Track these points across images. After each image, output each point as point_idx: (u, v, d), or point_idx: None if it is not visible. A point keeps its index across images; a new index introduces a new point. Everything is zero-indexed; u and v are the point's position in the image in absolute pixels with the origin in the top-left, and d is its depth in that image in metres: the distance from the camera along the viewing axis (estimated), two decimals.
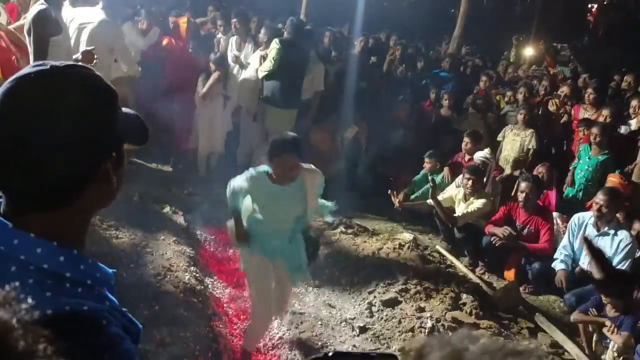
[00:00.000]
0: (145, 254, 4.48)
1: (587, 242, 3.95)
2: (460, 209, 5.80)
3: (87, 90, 1.00)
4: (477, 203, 5.66)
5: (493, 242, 5.35)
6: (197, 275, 4.51)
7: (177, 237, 4.99)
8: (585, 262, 4.95)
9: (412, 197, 6.45)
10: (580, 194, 5.92)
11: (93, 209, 1.07)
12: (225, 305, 4.58)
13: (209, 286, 4.66)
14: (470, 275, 5.49)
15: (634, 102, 6.63)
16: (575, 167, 6.10)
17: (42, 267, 0.94)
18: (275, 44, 6.52)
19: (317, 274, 5.12)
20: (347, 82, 7.66)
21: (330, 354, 0.78)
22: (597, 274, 3.96)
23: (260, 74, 6.65)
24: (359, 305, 4.63)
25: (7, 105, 0.96)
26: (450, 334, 0.54)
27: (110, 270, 1.06)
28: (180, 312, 3.87)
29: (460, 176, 5.89)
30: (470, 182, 5.65)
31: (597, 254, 2.69)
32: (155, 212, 5.35)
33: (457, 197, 5.89)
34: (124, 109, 1.11)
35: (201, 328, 3.78)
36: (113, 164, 1.04)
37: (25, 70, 1.00)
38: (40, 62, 1.00)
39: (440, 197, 5.92)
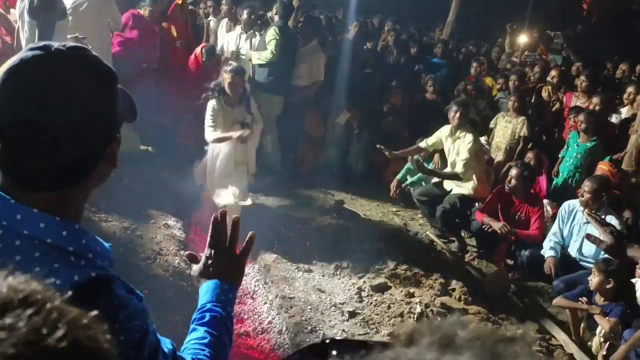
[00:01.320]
0: (135, 238, 4.46)
1: (592, 217, 4.09)
2: (450, 159, 5.78)
3: (92, 71, 1.01)
4: (465, 142, 5.61)
5: (484, 228, 5.38)
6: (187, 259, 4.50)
7: (167, 220, 4.98)
8: (574, 249, 4.98)
9: (407, 183, 6.48)
10: (570, 180, 5.94)
11: (94, 187, 1.09)
12: None
13: None
14: (460, 260, 5.52)
15: (630, 89, 6.61)
16: (563, 156, 6.11)
17: (46, 241, 0.96)
18: (274, 34, 6.49)
19: (307, 259, 5.14)
20: (341, 67, 7.62)
21: (327, 341, 0.78)
22: (608, 240, 4.07)
23: (257, 62, 6.61)
24: (349, 290, 4.65)
25: (15, 87, 0.96)
26: (440, 319, 0.53)
27: (107, 244, 1.07)
28: (170, 295, 3.88)
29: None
30: (457, 114, 5.65)
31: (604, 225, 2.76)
32: (145, 195, 5.31)
33: (444, 134, 5.86)
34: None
35: (190, 312, 3.75)
36: (117, 145, 1.07)
37: (27, 52, 0.98)
38: (40, 44, 1.00)
39: (429, 142, 6.02)
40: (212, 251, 1.41)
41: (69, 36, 4.91)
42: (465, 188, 5.75)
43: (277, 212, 5.87)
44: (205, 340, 1.22)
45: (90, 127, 0.98)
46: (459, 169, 5.68)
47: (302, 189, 6.67)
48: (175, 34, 7.08)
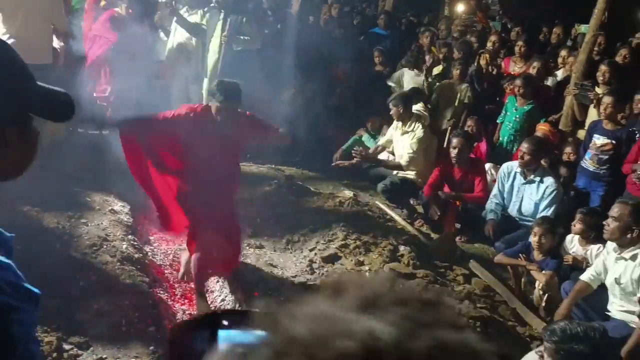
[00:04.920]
0: (80, 225, 4.39)
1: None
2: (397, 152, 6.00)
3: None
4: (414, 135, 5.85)
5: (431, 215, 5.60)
6: (135, 243, 4.47)
7: (113, 206, 4.92)
8: (513, 209, 5.18)
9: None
10: (511, 144, 6.13)
11: None
12: (165, 271, 4.58)
13: (149, 254, 4.63)
14: (409, 227, 5.66)
15: (563, 52, 6.86)
16: (502, 121, 6.30)
17: None
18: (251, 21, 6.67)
19: (258, 235, 5.17)
20: (285, 42, 7.57)
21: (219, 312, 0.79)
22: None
23: (240, 47, 6.67)
24: (300, 262, 4.72)
25: None
26: (370, 275, 0.54)
27: (10, 234, 1.07)
28: (118, 281, 3.85)
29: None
30: (393, 111, 5.90)
31: None
32: (90, 181, 5.22)
33: (396, 131, 6.05)
34: (46, 86, 1.12)
35: (140, 296, 3.78)
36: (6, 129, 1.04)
37: None
38: None
39: (382, 141, 6.28)
40: None
41: None
42: (410, 174, 5.99)
43: None
44: None
45: None
46: (403, 161, 5.94)
47: (251, 166, 6.67)
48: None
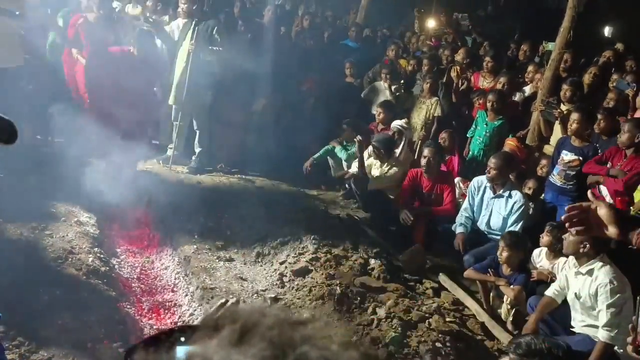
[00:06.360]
0: (44, 238, 4.27)
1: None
2: (375, 173, 6.14)
3: None
4: (391, 171, 6.05)
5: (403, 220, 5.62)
6: (102, 256, 4.37)
7: (79, 217, 4.80)
8: (482, 223, 5.24)
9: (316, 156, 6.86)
10: (480, 158, 6.22)
11: None
12: (133, 285, 4.48)
13: (115, 267, 4.53)
14: (380, 240, 5.67)
15: (530, 68, 7.01)
16: (472, 135, 6.40)
17: None
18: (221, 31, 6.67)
19: (228, 248, 5.11)
20: (257, 53, 7.54)
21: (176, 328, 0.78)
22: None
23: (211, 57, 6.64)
24: (271, 276, 4.68)
25: None
26: (245, 306, 0.57)
27: None
28: (84, 295, 3.76)
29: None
30: (376, 151, 6.01)
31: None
32: (54, 193, 5.09)
33: (375, 165, 6.19)
34: None
35: (106, 310, 3.69)
36: None
37: None
38: None
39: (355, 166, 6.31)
40: None
41: None
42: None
43: (196, 202, 5.78)
44: None
45: None
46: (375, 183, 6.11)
47: (222, 177, 6.61)
48: None
